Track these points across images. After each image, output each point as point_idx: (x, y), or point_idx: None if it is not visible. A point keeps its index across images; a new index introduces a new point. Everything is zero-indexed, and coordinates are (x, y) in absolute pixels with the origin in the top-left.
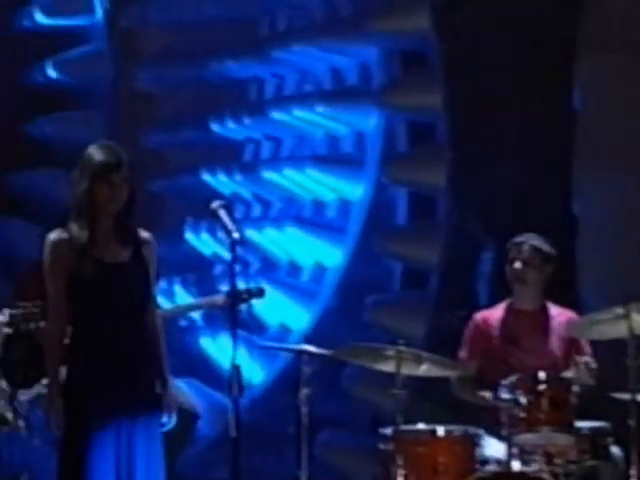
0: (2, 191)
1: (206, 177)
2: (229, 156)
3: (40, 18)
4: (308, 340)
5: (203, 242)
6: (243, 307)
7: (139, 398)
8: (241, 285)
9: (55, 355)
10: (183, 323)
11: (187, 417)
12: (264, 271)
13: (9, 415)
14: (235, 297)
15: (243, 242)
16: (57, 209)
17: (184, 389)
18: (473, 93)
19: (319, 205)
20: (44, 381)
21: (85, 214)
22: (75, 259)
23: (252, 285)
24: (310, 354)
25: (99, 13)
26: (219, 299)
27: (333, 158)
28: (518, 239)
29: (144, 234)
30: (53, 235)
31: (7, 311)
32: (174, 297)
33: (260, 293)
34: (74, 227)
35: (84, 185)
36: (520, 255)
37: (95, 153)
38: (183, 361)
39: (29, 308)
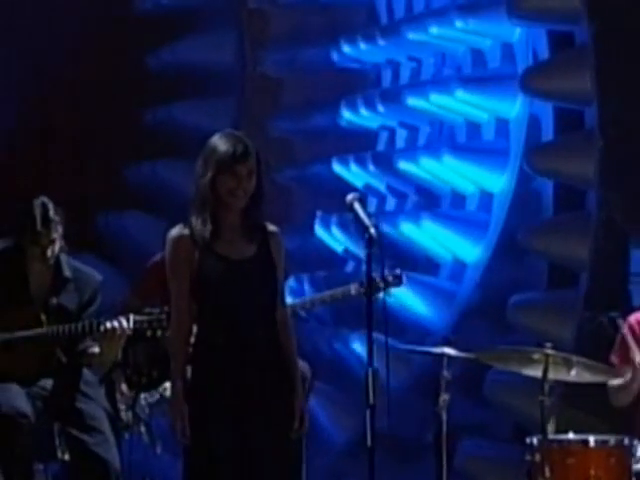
0: (121, 183)
1: (337, 168)
2: (362, 145)
3: None
4: (447, 342)
5: (334, 238)
6: (379, 298)
7: (268, 406)
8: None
9: (180, 357)
10: (312, 324)
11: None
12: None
13: (130, 420)
14: (370, 286)
15: (380, 238)
16: (178, 202)
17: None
18: (626, 77)
19: (458, 197)
20: (167, 384)
21: (208, 208)
22: (198, 256)
23: (389, 273)
24: (450, 357)
25: None
26: (352, 289)
27: (473, 147)
28: None
29: (271, 228)
30: (174, 231)
31: (132, 317)
32: (304, 293)
33: (398, 281)
34: (197, 222)
35: (208, 177)
36: None
37: (219, 143)
38: (313, 364)
39: (156, 315)
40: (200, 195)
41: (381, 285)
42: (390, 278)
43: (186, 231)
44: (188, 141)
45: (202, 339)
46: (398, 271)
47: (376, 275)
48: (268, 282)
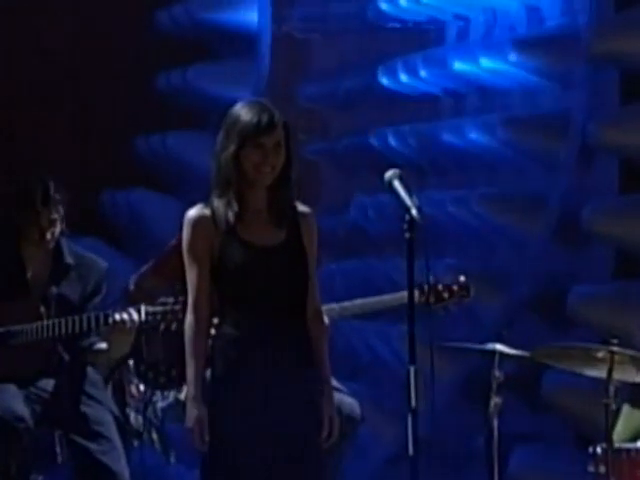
0: (128, 157)
1: (373, 140)
2: (401, 115)
3: None
4: (499, 338)
5: (369, 220)
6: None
7: (296, 410)
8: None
9: (197, 353)
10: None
11: (345, 423)
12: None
13: (140, 426)
14: (431, 294)
15: (423, 220)
16: (192, 179)
17: (342, 392)
18: None
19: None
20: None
21: (232, 187)
22: (220, 241)
23: (453, 280)
24: (502, 355)
25: None
26: (402, 296)
27: (529, 117)
28: None
29: (303, 209)
30: (193, 212)
31: (143, 308)
32: (334, 288)
33: (465, 292)
34: (218, 202)
35: (230, 151)
36: None
37: (242, 112)
38: (347, 364)
39: (170, 305)
40: (222, 172)
41: (445, 295)
42: (455, 288)
43: (207, 212)
44: (204, 110)
45: (223, 334)
46: (463, 278)
47: (438, 282)
48: (298, 272)
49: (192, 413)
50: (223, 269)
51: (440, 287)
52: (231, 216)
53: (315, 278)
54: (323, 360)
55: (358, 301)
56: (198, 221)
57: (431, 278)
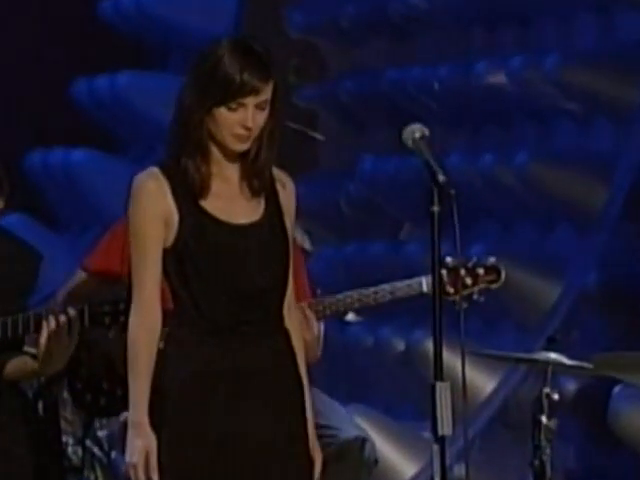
0: (64, 105)
1: (384, 84)
2: (420, 50)
3: None
4: (552, 344)
5: (381, 190)
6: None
7: (273, 440)
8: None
9: (144, 366)
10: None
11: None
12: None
13: (80, 460)
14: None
15: (453, 189)
16: (147, 133)
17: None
18: None
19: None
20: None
21: (199, 150)
22: (180, 217)
23: (481, 258)
24: (556, 366)
25: None
26: (425, 284)
27: (597, 52)
28: None
29: (280, 176)
30: (143, 177)
31: (87, 307)
32: (333, 277)
33: (495, 276)
34: (179, 168)
35: (200, 106)
36: None
37: (226, 59)
38: (348, 379)
39: (120, 305)
40: (187, 130)
41: (468, 282)
42: (481, 271)
43: (162, 179)
44: (164, 45)
45: (179, 339)
46: (493, 259)
47: (456, 262)
48: (280, 257)
49: (136, 443)
50: (182, 255)
51: (462, 271)
52: (196, 187)
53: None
54: (300, 368)
55: (364, 291)
56: (150, 190)
57: (456, 261)
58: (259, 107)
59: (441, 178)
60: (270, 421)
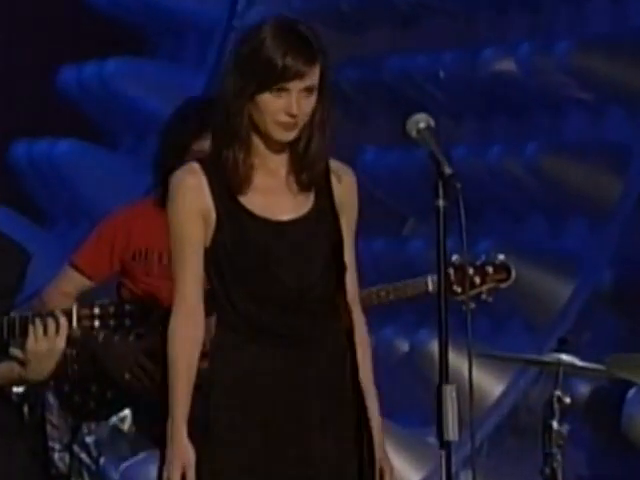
0: (51, 93)
1: (387, 72)
2: (426, 37)
3: None
4: (563, 345)
5: (382, 183)
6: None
7: (330, 451)
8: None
9: (186, 366)
10: None
11: None
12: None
13: (65, 466)
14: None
15: (457, 180)
16: (140, 122)
17: None
18: None
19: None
20: (127, 412)
21: (239, 140)
22: (217, 215)
23: (490, 256)
24: (569, 368)
25: None
26: (430, 283)
27: (613, 37)
28: None
29: (338, 168)
30: (182, 174)
31: (75, 310)
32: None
33: (505, 275)
34: (220, 162)
35: (245, 93)
36: None
37: (269, 41)
38: None
39: (109, 308)
40: (227, 119)
41: (477, 281)
42: (490, 270)
43: (201, 174)
44: (158, 29)
45: (217, 343)
46: (502, 257)
47: (464, 260)
48: (326, 254)
49: (174, 456)
50: (219, 255)
51: (470, 270)
52: (238, 181)
53: (354, 264)
54: (368, 379)
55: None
56: (189, 187)
57: (463, 258)
58: (305, 93)
59: (447, 170)
60: (317, 437)
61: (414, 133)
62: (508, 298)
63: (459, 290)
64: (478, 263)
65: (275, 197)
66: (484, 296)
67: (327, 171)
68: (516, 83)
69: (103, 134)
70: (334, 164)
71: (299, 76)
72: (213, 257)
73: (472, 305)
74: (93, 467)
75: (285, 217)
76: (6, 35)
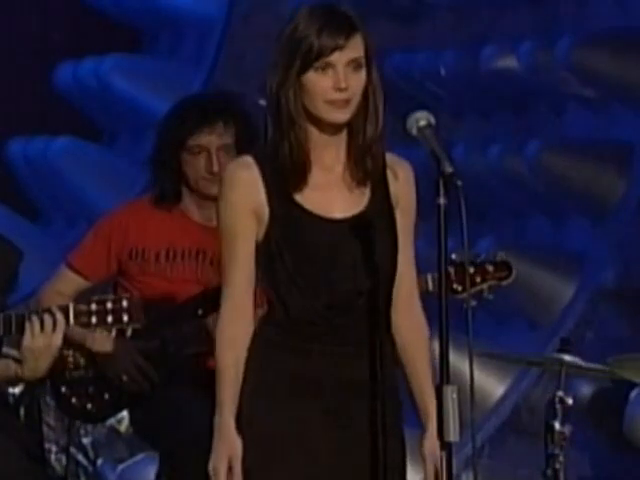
0: (47, 90)
1: (387, 67)
2: (426, 32)
3: None
4: (565, 345)
5: None
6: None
7: (379, 457)
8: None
9: (231, 365)
10: None
11: None
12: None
13: (62, 468)
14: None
15: (458, 178)
16: (139, 120)
17: None
18: None
19: None
20: (124, 413)
21: (293, 129)
22: (270, 211)
23: (491, 254)
24: (570, 368)
25: None
26: (430, 280)
27: (618, 31)
28: None
29: (395, 162)
30: (235, 167)
31: (72, 307)
32: None
33: (506, 273)
34: (275, 155)
35: (287, 78)
36: None
37: (302, 19)
38: None
39: (112, 304)
40: (278, 109)
41: (477, 279)
42: (491, 268)
43: (255, 168)
44: (154, 25)
45: (264, 338)
46: (503, 255)
47: (464, 258)
48: (381, 253)
49: (219, 448)
50: (271, 252)
51: (471, 268)
52: (293, 175)
53: (412, 260)
54: (425, 377)
55: None
56: (241, 181)
57: (463, 257)
58: (351, 67)
59: (448, 168)
60: (360, 445)
61: (414, 131)
62: (510, 298)
63: (459, 288)
64: (478, 261)
65: (330, 194)
66: (485, 294)
67: (383, 166)
68: (517, 80)
69: (100, 131)
70: (390, 158)
71: (339, 47)
72: (265, 254)
73: (473, 303)
74: (90, 468)
75: (339, 215)
76: (3, 32)
